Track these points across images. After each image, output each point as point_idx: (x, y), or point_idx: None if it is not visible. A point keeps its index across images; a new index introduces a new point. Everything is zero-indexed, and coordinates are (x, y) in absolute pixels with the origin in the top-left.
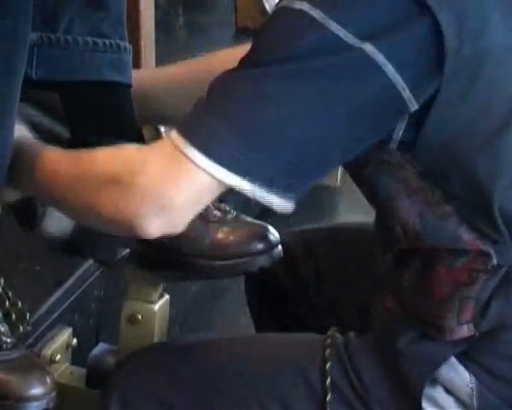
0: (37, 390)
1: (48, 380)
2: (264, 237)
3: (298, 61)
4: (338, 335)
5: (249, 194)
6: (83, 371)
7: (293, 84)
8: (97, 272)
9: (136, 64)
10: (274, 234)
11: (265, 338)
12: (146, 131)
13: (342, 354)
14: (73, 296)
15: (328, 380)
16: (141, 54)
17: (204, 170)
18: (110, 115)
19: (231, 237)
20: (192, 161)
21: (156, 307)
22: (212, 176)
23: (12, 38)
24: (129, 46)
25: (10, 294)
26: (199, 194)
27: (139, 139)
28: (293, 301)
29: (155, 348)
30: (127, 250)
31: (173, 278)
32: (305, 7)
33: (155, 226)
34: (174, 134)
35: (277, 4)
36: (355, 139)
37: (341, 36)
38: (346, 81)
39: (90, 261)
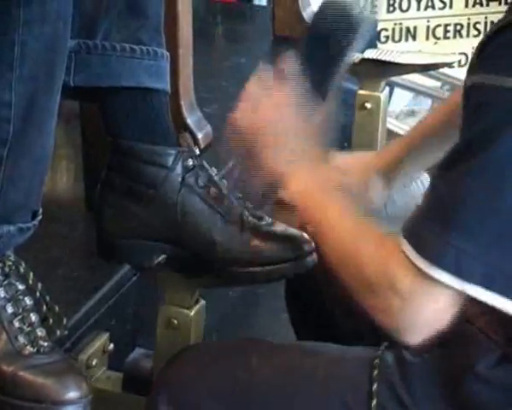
0: (73, 394)
1: (84, 384)
2: (298, 244)
3: None
4: (388, 353)
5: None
6: (119, 375)
7: None
8: (134, 278)
9: (174, 71)
10: (308, 241)
11: (314, 350)
12: (182, 139)
13: (392, 375)
14: (110, 301)
15: (374, 402)
16: (178, 62)
17: (456, 290)
18: (147, 121)
19: (265, 244)
20: (443, 284)
21: (192, 312)
22: (463, 293)
23: (52, 45)
24: (166, 53)
25: (48, 298)
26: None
27: (174, 146)
28: (332, 310)
29: (201, 350)
30: (163, 256)
31: (209, 283)
32: None
33: (413, 339)
34: (415, 256)
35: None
36: None
37: None
38: None
39: (127, 267)
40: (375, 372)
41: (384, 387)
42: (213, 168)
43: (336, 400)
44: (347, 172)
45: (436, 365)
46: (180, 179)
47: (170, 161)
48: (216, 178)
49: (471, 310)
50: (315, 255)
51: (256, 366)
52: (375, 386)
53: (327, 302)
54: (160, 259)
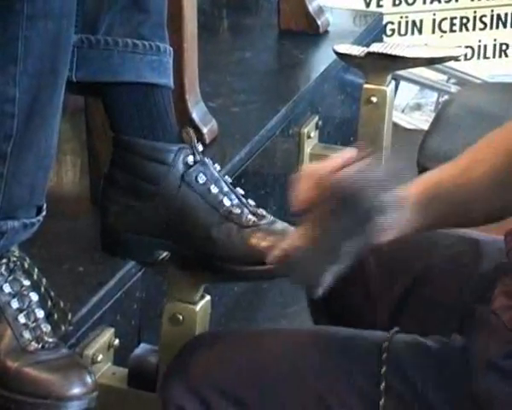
0: (78, 390)
1: (89, 380)
2: None
3: None
4: (399, 337)
5: None
6: (124, 371)
7: None
8: (139, 273)
9: (179, 66)
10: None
11: (326, 332)
12: (185, 134)
13: (403, 358)
14: (115, 297)
15: (383, 385)
16: (183, 56)
17: None
18: (149, 117)
19: (264, 243)
20: None
21: (197, 307)
22: None
23: (55, 41)
24: (169, 48)
25: (53, 294)
26: None
27: (178, 141)
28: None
29: (218, 335)
30: (167, 252)
31: (214, 279)
32: None
33: None
34: None
35: None
36: None
37: None
38: None
39: (132, 262)
40: (384, 356)
41: (393, 370)
42: (216, 165)
43: (347, 380)
44: None
45: (454, 352)
46: (180, 176)
47: (171, 157)
48: (218, 175)
49: (500, 302)
50: None
51: (269, 346)
52: (383, 369)
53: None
54: (163, 255)
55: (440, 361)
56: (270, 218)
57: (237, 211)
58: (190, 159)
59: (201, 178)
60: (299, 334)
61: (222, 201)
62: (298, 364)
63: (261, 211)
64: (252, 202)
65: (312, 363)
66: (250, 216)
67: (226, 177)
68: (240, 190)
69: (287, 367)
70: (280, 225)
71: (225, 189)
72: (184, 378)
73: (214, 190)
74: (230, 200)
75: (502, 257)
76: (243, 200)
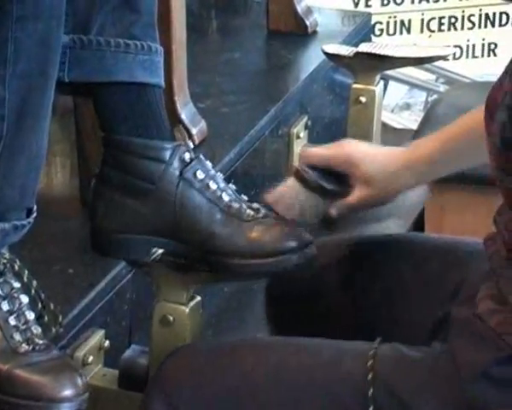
0: (69, 392)
1: (80, 382)
2: (297, 235)
3: None
4: (383, 349)
5: None
6: (115, 372)
7: None
8: (130, 275)
9: (168, 67)
10: (306, 232)
11: (311, 348)
12: (177, 133)
13: (390, 373)
14: (106, 299)
15: (371, 408)
16: (172, 57)
17: None
18: (142, 116)
19: (266, 236)
20: None
21: (188, 308)
22: None
23: (45, 42)
24: (160, 48)
25: (43, 296)
26: None
27: (170, 140)
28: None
29: (200, 348)
30: (159, 252)
31: (205, 279)
32: None
33: None
34: None
35: None
36: None
37: None
38: None
39: (123, 264)
40: (370, 376)
41: (381, 391)
42: (208, 162)
43: (336, 403)
44: (367, 163)
45: (440, 361)
46: (178, 173)
47: (167, 155)
48: (212, 171)
49: (485, 307)
50: (314, 247)
51: (251, 367)
52: (370, 391)
53: (321, 295)
54: (155, 255)
55: (428, 372)
56: (264, 211)
57: (236, 205)
58: (187, 156)
59: (200, 175)
60: (282, 351)
61: (221, 196)
62: (282, 393)
63: (256, 205)
64: (245, 197)
65: (297, 393)
66: (249, 210)
67: (219, 173)
68: (232, 186)
69: (268, 389)
70: (277, 218)
71: (222, 185)
72: (162, 394)
73: (213, 185)
74: (228, 195)
75: (470, 260)
76: (238, 195)
